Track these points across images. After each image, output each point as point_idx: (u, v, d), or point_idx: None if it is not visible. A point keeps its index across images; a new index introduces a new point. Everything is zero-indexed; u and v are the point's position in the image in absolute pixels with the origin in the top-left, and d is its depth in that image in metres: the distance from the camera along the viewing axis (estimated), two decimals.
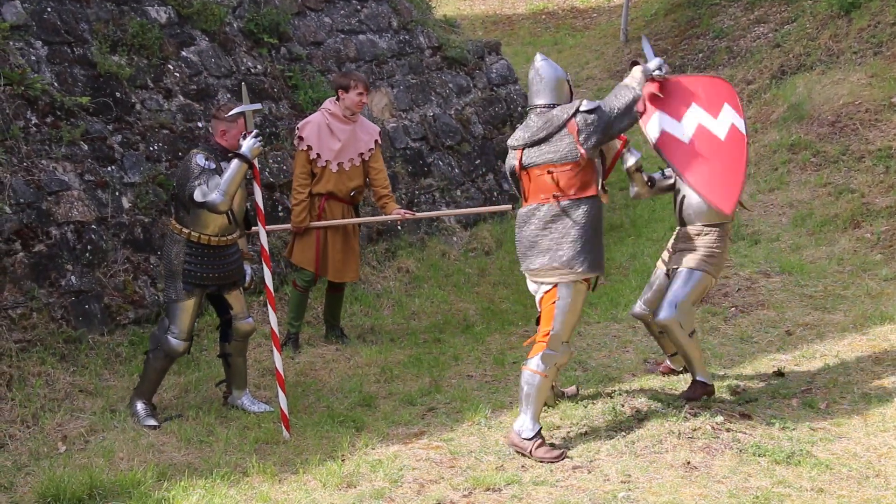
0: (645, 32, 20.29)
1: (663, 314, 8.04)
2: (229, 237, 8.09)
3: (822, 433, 7.67)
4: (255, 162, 7.95)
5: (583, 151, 7.38)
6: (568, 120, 7.44)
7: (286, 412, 7.90)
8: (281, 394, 7.92)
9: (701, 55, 18.52)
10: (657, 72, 7.94)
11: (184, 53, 11.02)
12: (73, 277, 9.04)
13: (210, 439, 7.73)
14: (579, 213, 7.45)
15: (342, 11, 13.11)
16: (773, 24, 17.89)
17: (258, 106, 8.37)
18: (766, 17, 18.20)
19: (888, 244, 11.50)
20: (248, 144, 7.88)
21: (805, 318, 10.06)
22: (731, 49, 17.62)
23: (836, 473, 7.05)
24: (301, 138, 9.52)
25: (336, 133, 9.48)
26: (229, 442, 7.68)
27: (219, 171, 7.86)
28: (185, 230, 7.92)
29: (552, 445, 7.46)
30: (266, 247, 8.05)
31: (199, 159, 7.85)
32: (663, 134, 7.95)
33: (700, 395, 8.11)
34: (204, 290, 8.10)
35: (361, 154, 9.62)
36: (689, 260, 8.12)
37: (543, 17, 23.52)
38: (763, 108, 15.49)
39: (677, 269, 8.17)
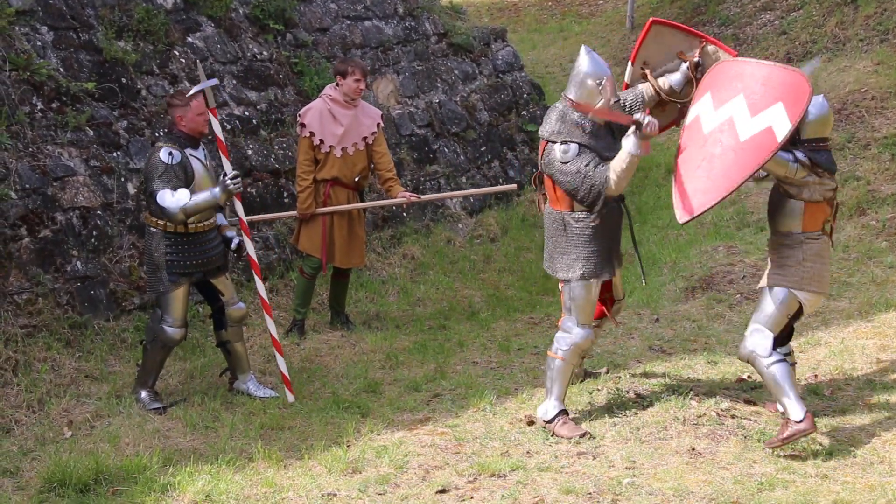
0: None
1: (740, 349, 7.50)
2: (206, 223, 8.07)
3: (826, 420, 7.68)
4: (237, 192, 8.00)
5: (539, 169, 7.58)
6: (546, 140, 7.46)
7: (286, 375, 7.96)
8: (279, 357, 8.02)
9: None
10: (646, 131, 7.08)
11: (189, 39, 11.00)
12: (78, 263, 9.05)
13: (215, 425, 7.74)
14: (554, 221, 7.54)
15: None
16: (779, 11, 17.82)
17: (214, 81, 8.23)
18: (773, 4, 18.14)
19: (894, 231, 11.48)
20: (222, 185, 7.86)
21: None
22: (738, 36, 17.56)
23: (841, 460, 7.06)
24: (303, 125, 9.51)
25: (338, 118, 9.47)
26: (234, 427, 7.69)
27: (184, 163, 7.83)
28: (159, 221, 7.90)
29: (575, 422, 7.56)
30: (254, 257, 8.23)
31: (163, 154, 7.79)
32: (695, 119, 7.29)
33: (791, 438, 7.11)
34: (190, 278, 8.07)
35: (365, 138, 9.60)
36: (766, 275, 7.45)
37: (549, 3, 23.42)
38: None
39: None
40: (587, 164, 7.23)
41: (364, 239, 9.99)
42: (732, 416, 7.60)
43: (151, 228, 7.96)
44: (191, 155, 7.94)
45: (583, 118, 7.32)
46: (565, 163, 7.26)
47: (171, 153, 7.79)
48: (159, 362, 8.17)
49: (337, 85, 9.58)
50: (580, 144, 7.28)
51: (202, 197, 7.84)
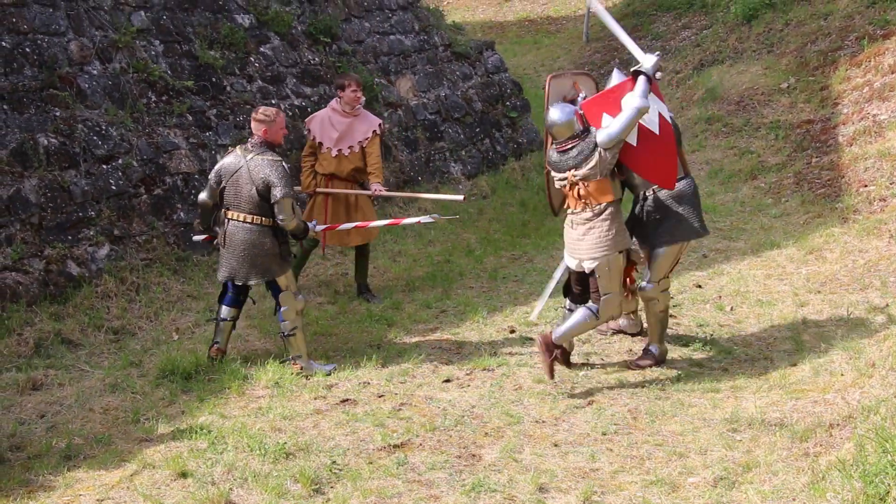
0: (601, 34, 20.03)
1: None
2: None
3: (727, 329, 7.67)
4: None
5: None
6: None
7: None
8: None
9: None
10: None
11: (262, 49, 10.88)
12: (182, 213, 9.00)
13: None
14: None
15: (377, 18, 12.90)
16: (694, 29, 17.63)
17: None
18: (690, 23, 17.94)
19: (776, 191, 11.42)
20: (313, 229, 7.17)
21: (717, 245, 9.99)
22: (665, 48, 17.34)
23: (736, 357, 7.08)
24: (309, 130, 8.80)
25: (335, 125, 8.63)
26: None
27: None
28: (269, 220, 6.75)
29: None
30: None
31: (286, 166, 6.65)
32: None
33: None
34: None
35: (360, 142, 8.66)
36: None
37: (526, 23, 23.16)
38: (687, 91, 15.32)
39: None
40: None
41: (365, 222, 8.49)
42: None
43: (260, 227, 6.76)
44: None
45: None
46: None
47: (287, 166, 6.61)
48: (304, 333, 7.05)
49: (339, 98, 8.71)
50: None
51: (307, 227, 6.99)
